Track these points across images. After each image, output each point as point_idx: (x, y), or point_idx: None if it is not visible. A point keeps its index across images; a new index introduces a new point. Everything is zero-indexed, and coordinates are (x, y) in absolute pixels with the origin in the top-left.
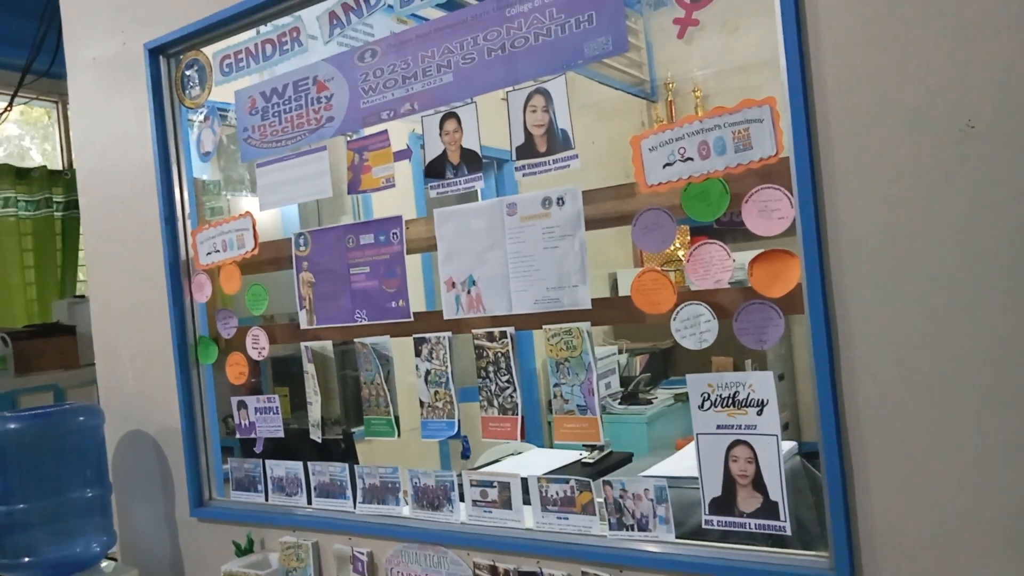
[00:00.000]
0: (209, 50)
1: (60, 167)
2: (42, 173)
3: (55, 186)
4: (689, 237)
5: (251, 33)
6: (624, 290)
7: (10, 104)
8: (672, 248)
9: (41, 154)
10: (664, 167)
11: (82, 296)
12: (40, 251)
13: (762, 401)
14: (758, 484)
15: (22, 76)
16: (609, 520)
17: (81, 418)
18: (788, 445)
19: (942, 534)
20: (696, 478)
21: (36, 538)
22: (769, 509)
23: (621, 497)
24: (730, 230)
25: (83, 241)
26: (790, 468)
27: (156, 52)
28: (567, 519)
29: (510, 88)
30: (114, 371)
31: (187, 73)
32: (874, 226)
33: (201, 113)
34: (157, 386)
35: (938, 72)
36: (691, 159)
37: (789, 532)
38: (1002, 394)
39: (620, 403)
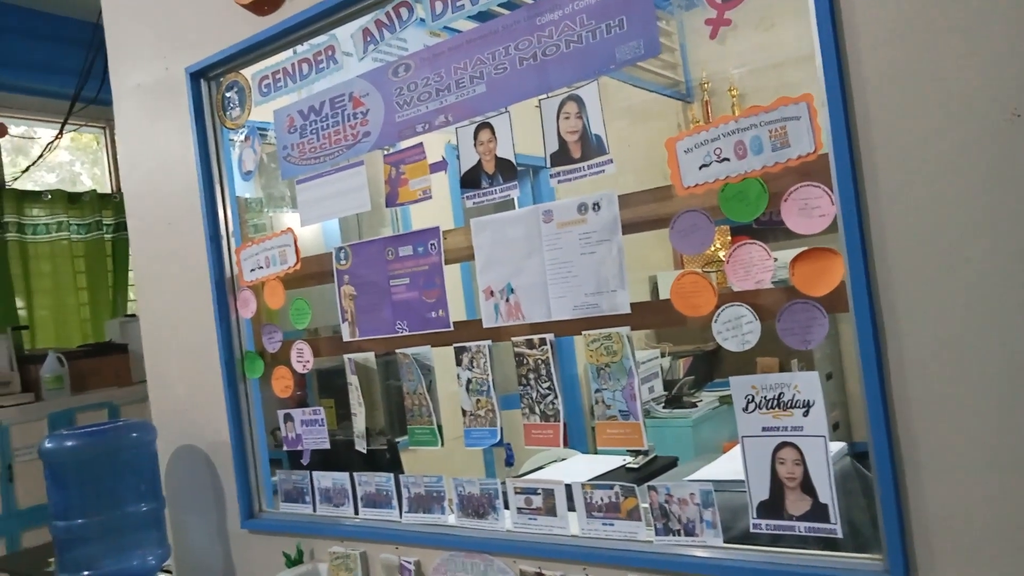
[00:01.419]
0: (248, 72)
1: (109, 190)
2: (92, 197)
3: (105, 209)
4: (730, 237)
5: (288, 53)
6: (664, 293)
7: (60, 131)
8: (712, 249)
9: (91, 178)
10: (700, 168)
11: (133, 315)
12: (92, 272)
13: (808, 402)
14: (807, 486)
15: (71, 104)
16: (655, 525)
17: (135, 434)
18: (837, 446)
19: (997, 532)
20: (743, 481)
21: (95, 552)
22: (819, 511)
23: (667, 502)
24: (771, 229)
25: (132, 261)
26: (840, 470)
27: (197, 76)
28: (612, 525)
29: (543, 96)
30: (165, 387)
31: (227, 95)
32: (919, 221)
33: (242, 133)
34: (206, 401)
35: (979, 61)
36: (727, 159)
37: (840, 535)
38: None
39: (664, 407)
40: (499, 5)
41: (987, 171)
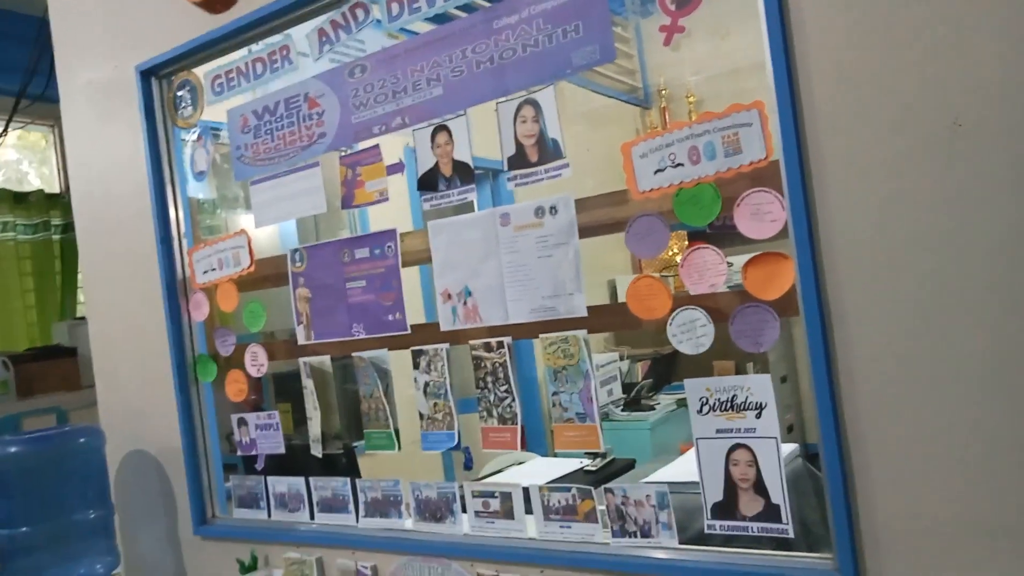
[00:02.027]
0: (200, 70)
1: (58, 190)
2: (39, 197)
3: (53, 209)
4: (687, 242)
5: (242, 52)
6: (623, 296)
7: (5, 129)
8: (670, 253)
9: (39, 178)
10: (655, 173)
11: (82, 318)
12: (39, 274)
13: (760, 404)
14: (759, 487)
15: (16, 101)
16: (612, 528)
17: (82, 439)
18: (790, 447)
19: (945, 533)
20: (698, 483)
21: (40, 561)
22: (771, 512)
23: (623, 504)
24: (725, 234)
25: (81, 263)
26: (792, 470)
27: (148, 74)
28: (570, 527)
29: (500, 99)
30: (114, 392)
31: (179, 94)
32: (867, 226)
33: (194, 133)
34: (157, 405)
35: (925, 72)
36: (682, 164)
37: (792, 535)
38: (1001, 392)
39: (623, 410)
40: (456, 8)
41: (931, 178)
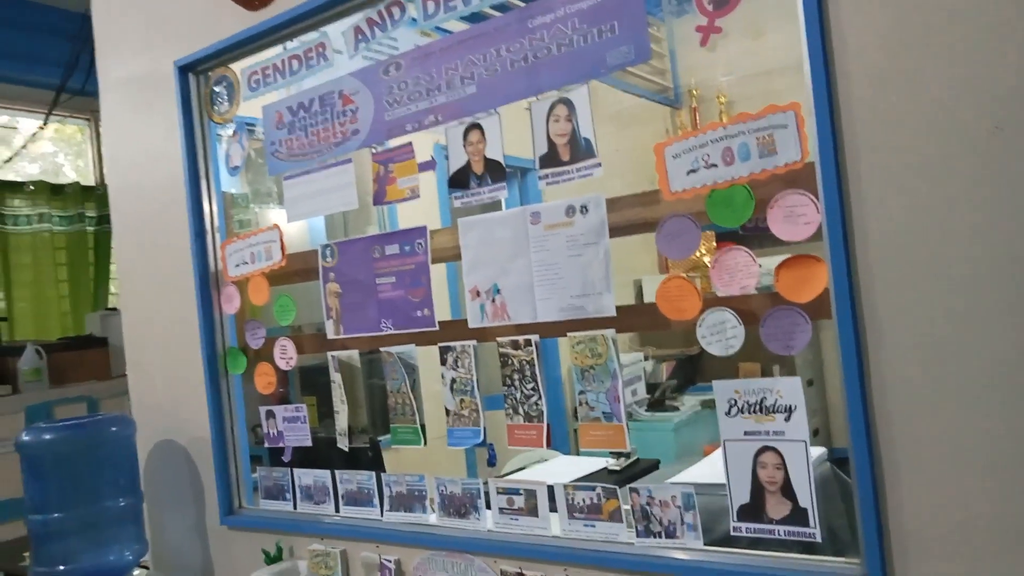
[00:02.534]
0: (237, 66)
1: (92, 183)
2: (75, 189)
3: (88, 201)
4: (715, 243)
5: (278, 49)
6: (649, 297)
7: (45, 122)
8: (698, 254)
9: (75, 170)
10: (688, 174)
11: (114, 308)
12: (73, 265)
13: (790, 407)
14: (787, 490)
15: (56, 95)
16: (636, 527)
17: (113, 428)
18: (817, 451)
19: (975, 539)
20: (724, 485)
21: (71, 547)
22: (799, 516)
23: (648, 504)
24: (756, 235)
25: (115, 255)
26: (820, 474)
27: (185, 69)
28: (594, 526)
29: (533, 98)
30: (145, 382)
31: (216, 89)
32: (903, 230)
33: (229, 128)
34: (187, 396)
35: (964, 75)
36: (715, 165)
37: (819, 539)
38: None
39: (647, 410)
40: (491, 7)
41: (969, 182)
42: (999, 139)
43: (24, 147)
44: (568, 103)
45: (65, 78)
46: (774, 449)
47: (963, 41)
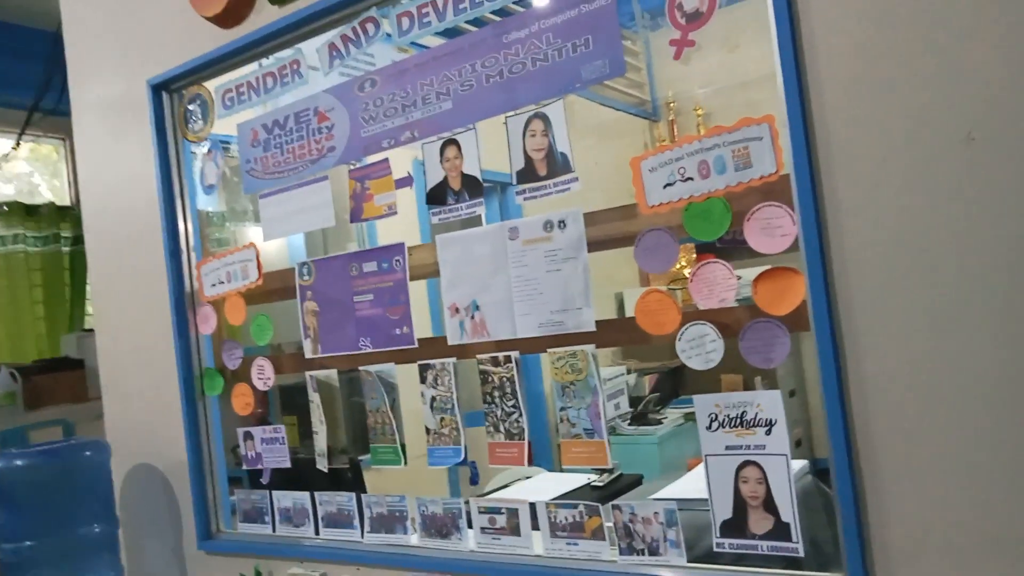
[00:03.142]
0: (211, 84)
1: (68, 202)
2: (50, 209)
3: (63, 222)
4: (695, 255)
5: (253, 66)
6: (630, 309)
7: (17, 142)
8: (678, 266)
9: (50, 190)
10: (665, 187)
11: (90, 330)
12: (49, 286)
13: (770, 421)
14: (769, 505)
15: (29, 115)
16: (619, 545)
17: (88, 453)
18: (799, 464)
19: (958, 551)
20: (706, 500)
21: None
22: (781, 530)
23: (631, 521)
24: (735, 247)
25: (90, 275)
26: (802, 488)
27: (159, 88)
28: (577, 544)
29: (510, 113)
30: (121, 404)
31: (190, 108)
32: (879, 241)
33: (204, 146)
34: (164, 419)
35: (937, 84)
36: (691, 179)
37: (802, 553)
38: (1016, 408)
39: (630, 424)
40: (466, 23)
41: (945, 192)
42: (973, 148)
43: None
44: (544, 118)
45: (38, 98)
46: (755, 463)
47: (935, 51)
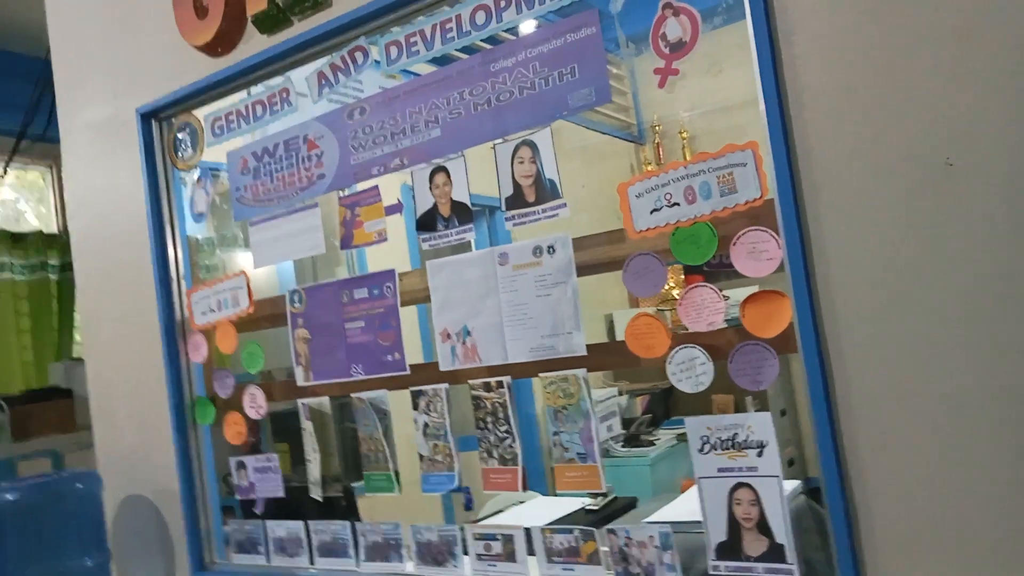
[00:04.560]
0: (200, 112)
1: (55, 230)
2: (37, 237)
3: (50, 249)
4: (683, 276)
5: (242, 95)
6: (620, 331)
7: (4, 169)
8: (667, 287)
9: (37, 217)
10: (652, 212)
11: (79, 358)
12: (36, 315)
13: (762, 443)
14: (763, 527)
15: (17, 141)
16: (615, 570)
17: (79, 485)
18: (792, 484)
19: (953, 568)
20: (700, 522)
21: None
22: (776, 552)
23: (626, 545)
24: (722, 270)
25: (78, 304)
26: (795, 508)
27: (148, 116)
28: (573, 570)
29: (498, 140)
30: (111, 434)
31: (179, 136)
32: (864, 263)
33: (194, 174)
34: (155, 448)
35: (916, 110)
36: (678, 204)
37: (798, 575)
38: (1004, 425)
39: (623, 445)
40: (455, 50)
41: (926, 216)
42: (951, 175)
43: None
44: (532, 145)
45: (25, 124)
46: (748, 485)
47: (914, 78)
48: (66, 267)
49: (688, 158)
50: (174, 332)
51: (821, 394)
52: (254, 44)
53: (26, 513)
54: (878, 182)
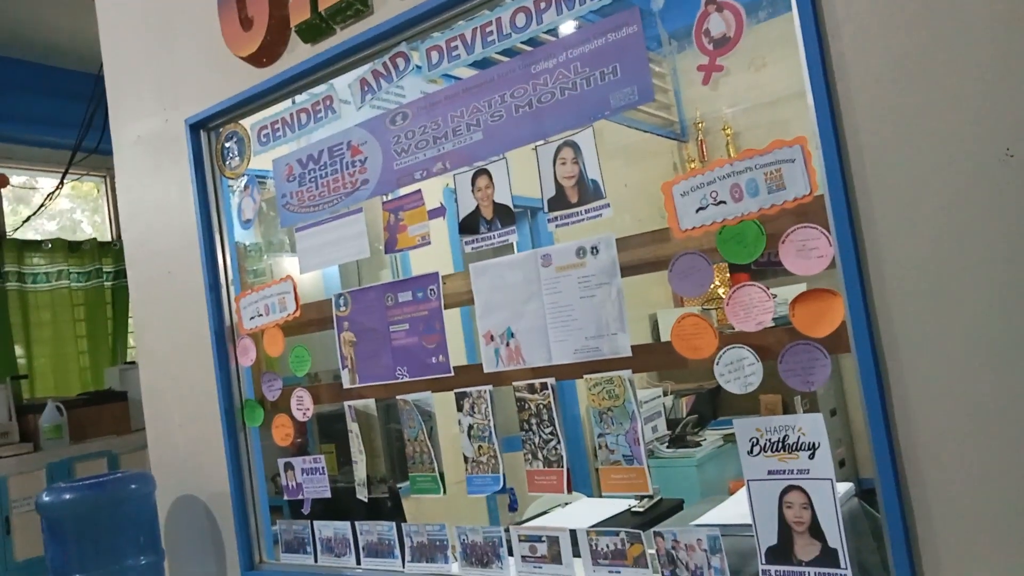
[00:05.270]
0: (247, 122)
1: (109, 238)
2: (92, 245)
3: (105, 257)
4: (729, 275)
5: (287, 103)
6: (664, 330)
7: (61, 181)
8: (713, 286)
9: (91, 226)
10: (697, 211)
11: (133, 362)
12: (92, 320)
13: (813, 444)
14: (815, 530)
15: (72, 154)
16: (662, 572)
17: (134, 486)
18: (844, 487)
19: (1009, 571)
20: (750, 525)
21: None
22: (828, 556)
23: (674, 548)
24: (770, 267)
25: (132, 309)
26: (848, 511)
27: (197, 127)
28: (619, 573)
29: (539, 142)
30: (164, 437)
31: (227, 145)
32: (918, 260)
33: (241, 182)
34: (206, 450)
35: (971, 100)
36: (724, 202)
37: None
38: None
39: (668, 446)
40: (495, 53)
41: (983, 210)
42: (1010, 166)
43: (42, 207)
44: (574, 146)
45: (80, 138)
46: (800, 488)
47: (968, 67)
48: (120, 274)
49: (733, 155)
50: (223, 336)
51: (876, 395)
52: (298, 53)
53: (83, 513)
54: (932, 176)
